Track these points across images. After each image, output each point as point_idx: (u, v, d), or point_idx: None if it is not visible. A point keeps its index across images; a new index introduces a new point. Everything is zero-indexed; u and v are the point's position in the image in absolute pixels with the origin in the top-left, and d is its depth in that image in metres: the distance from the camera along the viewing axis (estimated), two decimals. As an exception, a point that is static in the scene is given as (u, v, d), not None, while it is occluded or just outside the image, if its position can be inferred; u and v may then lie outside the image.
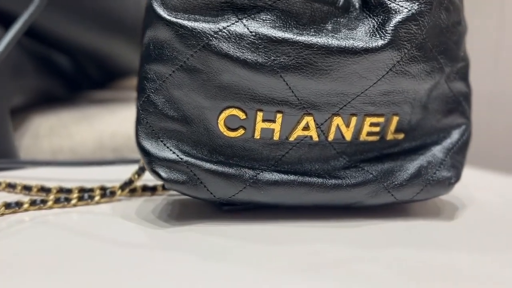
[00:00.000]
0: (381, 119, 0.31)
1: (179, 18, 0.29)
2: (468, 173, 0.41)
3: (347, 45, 0.28)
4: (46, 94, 0.71)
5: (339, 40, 0.29)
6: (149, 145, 0.30)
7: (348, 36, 0.29)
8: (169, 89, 0.30)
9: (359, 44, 0.29)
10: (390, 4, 0.29)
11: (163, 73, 0.30)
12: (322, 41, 0.28)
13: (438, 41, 0.31)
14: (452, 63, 0.32)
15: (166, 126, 0.30)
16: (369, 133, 0.31)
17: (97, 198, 0.34)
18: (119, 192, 0.35)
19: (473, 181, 0.43)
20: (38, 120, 0.65)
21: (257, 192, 0.30)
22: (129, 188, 0.35)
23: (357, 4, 0.31)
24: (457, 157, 0.33)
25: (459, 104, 0.33)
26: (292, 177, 0.30)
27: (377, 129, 0.31)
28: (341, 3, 0.30)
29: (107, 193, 0.35)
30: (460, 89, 0.33)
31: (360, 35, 0.29)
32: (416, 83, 0.31)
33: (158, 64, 0.30)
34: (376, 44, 0.29)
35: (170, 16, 0.29)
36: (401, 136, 0.32)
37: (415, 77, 0.30)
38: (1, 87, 0.51)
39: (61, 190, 0.36)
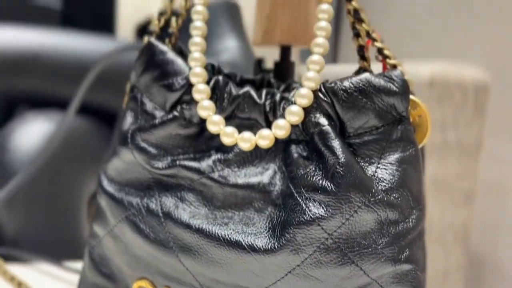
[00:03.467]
0: (290, 318, 0.28)
1: (112, 189, 0.32)
2: None
3: (237, 240, 0.27)
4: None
5: (235, 233, 0.28)
6: (82, 296, 0.33)
7: (247, 230, 0.28)
8: (103, 248, 0.33)
9: (250, 240, 0.27)
10: (300, 200, 0.27)
11: (99, 234, 0.33)
12: (217, 232, 0.28)
13: (358, 245, 0.27)
14: (382, 269, 0.27)
15: (97, 281, 0.33)
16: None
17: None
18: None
19: None
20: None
21: None
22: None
23: (278, 185, 0.29)
24: None
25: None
26: None
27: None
28: (262, 182, 0.29)
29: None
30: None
31: (261, 229, 0.28)
32: (328, 288, 0.27)
33: (97, 226, 0.33)
34: (268, 246, 0.27)
35: (107, 185, 0.32)
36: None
37: (324, 282, 0.27)
38: (75, 173, 0.61)
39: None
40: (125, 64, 0.61)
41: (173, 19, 0.33)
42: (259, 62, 0.38)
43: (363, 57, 0.30)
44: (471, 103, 0.77)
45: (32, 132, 0.56)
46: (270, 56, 0.42)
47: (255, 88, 0.36)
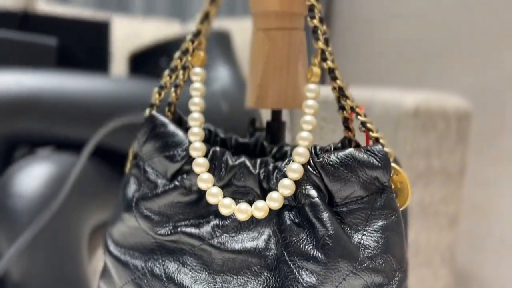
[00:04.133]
0: None
1: (118, 251, 0.34)
2: None
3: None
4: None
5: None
6: None
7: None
8: (111, 307, 0.35)
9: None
10: (293, 268, 0.30)
11: (107, 293, 0.35)
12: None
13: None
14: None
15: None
16: None
17: None
18: None
19: None
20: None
21: None
22: None
23: (273, 250, 0.31)
24: None
25: None
26: None
27: None
28: (258, 247, 0.31)
29: None
30: None
31: None
32: None
33: (104, 284, 0.35)
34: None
35: (113, 248, 0.35)
36: None
37: None
38: (77, 211, 0.62)
39: None
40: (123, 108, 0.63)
41: (172, 90, 0.36)
42: (253, 122, 0.41)
43: (347, 128, 0.33)
44: (454, 131, 0.81)
45: (34, 175, 0.58)
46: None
47: (249, 151, 0.39)
